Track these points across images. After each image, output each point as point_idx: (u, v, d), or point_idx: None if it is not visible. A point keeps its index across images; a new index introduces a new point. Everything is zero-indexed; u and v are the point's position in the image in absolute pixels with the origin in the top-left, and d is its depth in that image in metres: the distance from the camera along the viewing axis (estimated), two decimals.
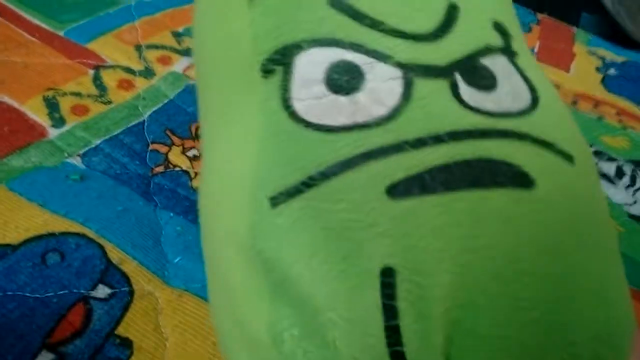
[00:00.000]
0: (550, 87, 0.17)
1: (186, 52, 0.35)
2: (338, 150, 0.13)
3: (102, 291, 0.21)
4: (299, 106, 0.14)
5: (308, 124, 0.13)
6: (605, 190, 0.31)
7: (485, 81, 0.15)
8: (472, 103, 0.14)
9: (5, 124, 0.27)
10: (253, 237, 0.13)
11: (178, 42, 0.36)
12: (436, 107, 0.14)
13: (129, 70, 0.32)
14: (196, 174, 0.27)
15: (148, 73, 0.33)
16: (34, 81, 0.30)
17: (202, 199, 0.16)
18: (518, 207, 0.13)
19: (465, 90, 0.14)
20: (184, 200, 0.26)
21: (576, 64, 0.43)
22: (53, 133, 0.27)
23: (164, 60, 0.34)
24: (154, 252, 0.23)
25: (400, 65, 0.14)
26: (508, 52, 0.16)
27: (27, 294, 0.20)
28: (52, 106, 0.28)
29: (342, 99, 0.14)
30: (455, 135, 0.13)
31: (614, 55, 0.45)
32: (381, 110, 0.13)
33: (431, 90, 0.14)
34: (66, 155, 0.26)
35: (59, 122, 0.28)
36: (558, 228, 0.13)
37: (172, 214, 0.25)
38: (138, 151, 0.27)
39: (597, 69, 0.42)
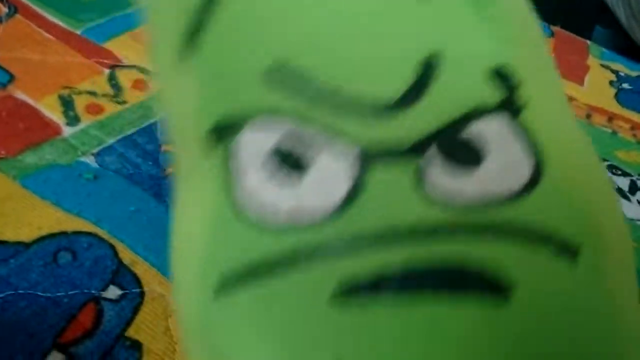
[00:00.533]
0: (574, 141, 0.13)
1: None
2: (282, 246, 0.11)
3: (112, 292, 0.21)
4: (242, 193, 0.12)
5: (252, 213, 0.12)
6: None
7: (465, 159, 0.11)
8: (442, 190, 0.11)
9: (20, 120, 0.27)
10: (200, 323, 0.12)
11: None
12: (393, 201, 0.11)
13: (144, 70, 0.32)
14: None
15: None
16: (49, 79, 0.30)
17: (172, 242, 0.15)
18: (486, 325, 0.10)
19: (436, 175, 0.11)
20: None
21: (590, 77, 0.42)
22: (67, 131, 0.27)
23: None
24: (165, 254, 0.23)
25: (352, 148, 0.11)
26: (510, 107, 0.12)
27: (39, 293, 0.20)
28: (67, 104, 0.28)
29: (287, 186, 0.11)
30: (414, 235, 0.11)
31: (627, 69, 0.45)
32: (329, 203, 0.11)
33: (389, 179, 0.11)
34: (80, 153, 0.26)
35: (73, 120, 0.28)
36: (540, 353, 0.10)
37: None
38: (151, 152, 0.27)
39: (611, 83, 0.42)
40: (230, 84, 0.12)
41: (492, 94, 0.12)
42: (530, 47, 0.14)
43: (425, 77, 0.12)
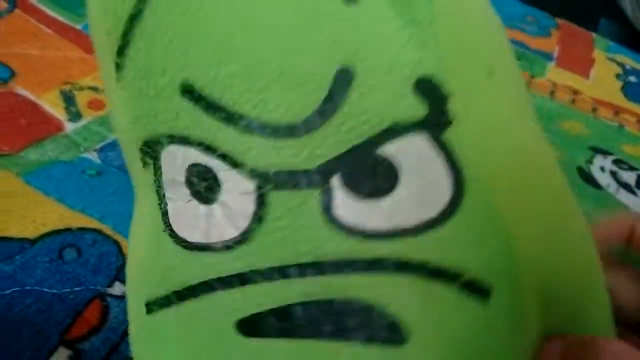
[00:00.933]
0: (518, 159, 0.12)
1: None
2: (194, 271, 0.12)
3: (118, 288, 0.20)
4: (170, 206, 0.12)
5: (173, 233, 0.12)
6: (625, 200, 0.30)
7: (376, 183, 0.10)
8: (348, 219, 0.10)
9: (22, 116, 0.27)
10: (135, 339, 0.14)
11: None
12: (294, 230, 0.11)
13: None
14: None
15: None
16: (50, 74, 0.30)
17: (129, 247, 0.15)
18: None
19: (343, 201, 0.10)
20: None
21: (596, 70, 0.42)
22: (69, 127, 0.27)
23: None
24: None
25: (255, 173, 0.11)
26: (433, 124, 0.11)
27: (45, 289, 0.20)
28: (68, 100, 0.28)
29: (201, 208, 0.12)
30: (314, 267, 0.10)
31: (634, 62, 0.44)
32: (233, 232, 0.11)
33: (291, 206, 0.11)
34: (82, 149, 0.26)
35: (75, 116, 0.27)
36: None
37: None
38: None
39: (617, 76, 0.42)
40: (150, 102, 0.12)
41: (412, 109, 0.11)
42: (468, 52, 0.12)
43: (338, 91, 0.10)
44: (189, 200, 0.12)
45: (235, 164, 0.11)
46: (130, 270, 0.14)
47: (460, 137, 0.11)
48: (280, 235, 0.11)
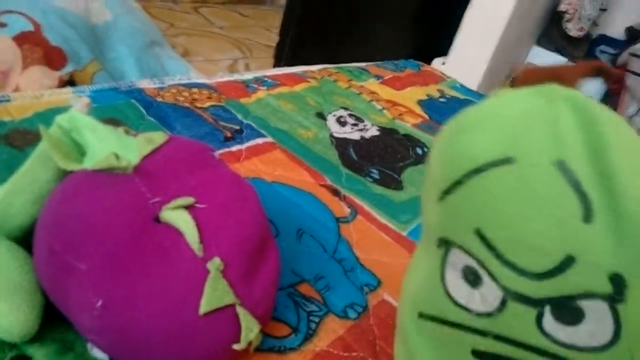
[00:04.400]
0: None
1: None
2: (453, 315, 0.22)
3: None
4: (447, 275, 0.22)
5: (445, 289, 0.22)
6: None
7: (570, 318, 0.19)
8: (549, 330, 0.19)
9: None
10: (404, 331, 0.25)
11: None
12: (518, 324, 0.20)
13: None
14: None
15: None
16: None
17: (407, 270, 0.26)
18: None
19: (548, 320, 0.19)
20: None
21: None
22: None
23: None
24: None
25: (504, 288, 0.20)
26: (613, 299, 0.18)
27: None
28: None
29: (467, 287, 0.21)
30: (519, 345, 0.20)
31: (459, 94, 0.51)
32: (483, 309, 0.20)
33: (519, 311, 0.19)
34: None
35: None
36: None
37: None
38: None
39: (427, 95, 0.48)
40: (451, 227, 0.21)
41: (603, 288, 0.18)
42: None
43: (562, 267, 0.18)
44: (461, 279, 0.21)
45: (494, 278, 0.20)
46: (406, 285, 0.25)
47: (626, 310, 0.18)
48: (508, 322, 0.20)
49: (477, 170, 0.20)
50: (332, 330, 0.32)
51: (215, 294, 0.24)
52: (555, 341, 0.19)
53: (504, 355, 0.20)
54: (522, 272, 0.19)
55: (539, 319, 0.19)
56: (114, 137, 0.27)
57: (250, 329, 0.25)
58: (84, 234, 0.23)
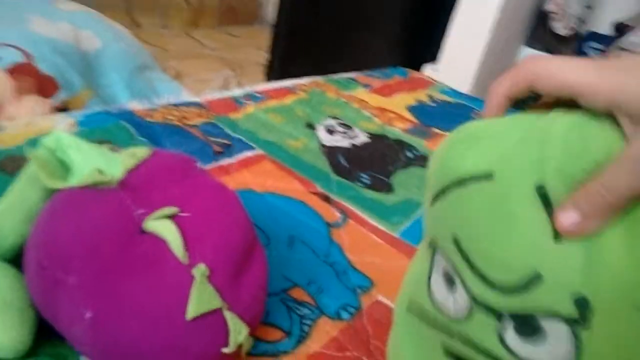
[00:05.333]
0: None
1: None
2: (429, 307, 0.24)
3: None
4: (433, 275, 0.23)
5: (429, 284, 0.24)
6: None
7: (531, 335, 0.19)
8: (510, 344, 0.20)
9: None
10: (399, 320, 0.27)
11: None
12: (482, 333, 0.21)
13: None
14: None
15: None
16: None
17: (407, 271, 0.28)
18: None
19: (511, 335, 0.20)
20: None
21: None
22: None
23: None
24: None
25: (472, 296, 0.21)
26: (576, 323, 0.18)
27: None
28: None
29: (445, 288, 0.23)
30: (483, 352, 0.21)
31: (449, 98, 0.52)
32: (461, 312, 0.21)
33: (484, 321, 0.20)
34: None
35: None
36: None
37: None
38: None
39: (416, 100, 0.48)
40: (437, 231, 0.23)
41: (566, 310, 0.18)
42: (617, 298, 0.18)
43: (528, 285, 0.18)
44: (442, 281, 0.23)
45: (465, 286, 0.21)
46: (406, 277, 0.27)
47: (589, 337, 0.18)
48: (472, 330, 0.21)
49: (460, 182, 0.20)
50: (325, 332, 0.33)
51: (201, 299, 0.24)
52: (516, 356, 0.19)
53: (470, 359, 0.21)
54: (490, 284, 0.19)
55: (502, 332, 0.20)
56: (98, 154, 0.28)
57: (238, 332, 0.25)
58: (72, 249, 0.24)
